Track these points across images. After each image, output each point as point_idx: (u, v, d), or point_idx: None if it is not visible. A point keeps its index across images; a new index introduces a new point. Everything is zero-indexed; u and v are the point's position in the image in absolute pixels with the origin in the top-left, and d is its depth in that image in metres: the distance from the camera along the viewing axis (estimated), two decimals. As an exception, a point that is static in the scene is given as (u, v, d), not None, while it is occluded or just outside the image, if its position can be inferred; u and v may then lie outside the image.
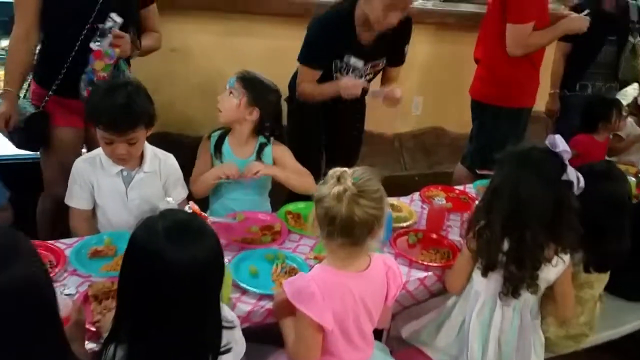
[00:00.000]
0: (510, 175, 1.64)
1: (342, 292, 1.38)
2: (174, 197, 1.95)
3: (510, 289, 1.66)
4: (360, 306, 1.42)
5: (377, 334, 1.77)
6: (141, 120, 1.75)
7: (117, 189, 1.85)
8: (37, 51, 2.11)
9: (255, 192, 2.17)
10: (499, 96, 2.79)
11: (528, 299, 1.74)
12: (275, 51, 3.21)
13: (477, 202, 1.81)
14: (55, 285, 1.15)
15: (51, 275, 1.44)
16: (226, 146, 2.10)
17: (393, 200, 2.25)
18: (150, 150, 1.91)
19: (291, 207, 2.10)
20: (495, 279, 1.69)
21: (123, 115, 1.70)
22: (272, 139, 2.14)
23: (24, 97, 2.13)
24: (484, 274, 1.68)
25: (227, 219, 1.95)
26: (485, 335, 1.72)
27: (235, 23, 3.25)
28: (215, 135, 2.12)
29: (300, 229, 1.95)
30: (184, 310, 1.11)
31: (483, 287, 1.72)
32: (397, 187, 2.22)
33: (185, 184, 2.02)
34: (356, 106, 2.66)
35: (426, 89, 3.95)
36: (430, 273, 1.83)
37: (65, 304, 1.28)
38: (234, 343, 1.26)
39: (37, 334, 1.00)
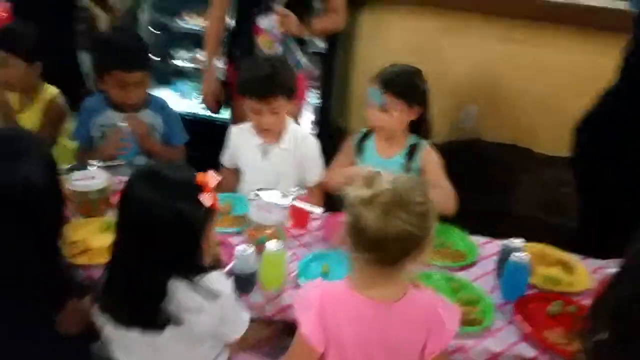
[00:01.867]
0: None
1: (352, 317, 1.14)
2: (308, 177, 1.98)
3: None
4: (377, 343, 1.14)
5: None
6: (283, 88, 1.83)
7: (255, 159, 1.95)
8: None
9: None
10: None
11: None
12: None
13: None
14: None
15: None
16: (370, 143, 1.95)
17: (570, 257, 1.72)
18: (291, 128, 1.94)
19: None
20: None
21: (267, 82, 1.81)
22: (425, 141, 1.89)
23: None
24: None
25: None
26: None
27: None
28: (362, 131, 1.99)
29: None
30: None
31: None
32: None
33: (322, 171, 1.98)
34: None
35: None
36: (546, 358, 1.33)
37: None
38: (208, 313, 1.17)
39: (27, 232, 1.14)
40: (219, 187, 1.92)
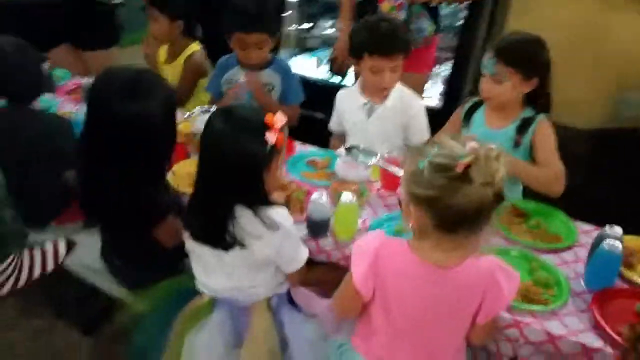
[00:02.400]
0: None
1: (401, 273, 1.18)
2: (412, 140, 1.99)
3: None
4: (426, 305, 1.18)
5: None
6: (404, 46, 1.88)
7: (360, 119, 2.00)
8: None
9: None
10: None
11: None
12: None
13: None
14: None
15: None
16: (479, 113, 1.87)
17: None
18: (398, 89, 1.96)
19: (520, 203, 1.75)
20: None
21: (391, 39, 1.86)
22: (542, 114, 1.78)
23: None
24: None
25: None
26: None
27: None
28: (473, 100, 1.92)
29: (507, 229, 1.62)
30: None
31: None
32: None
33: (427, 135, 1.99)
34: None
35: None
36: (609, 350, 1.23)
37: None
38: (266, 241, 1.31)
39: (141, 156, 1.38)
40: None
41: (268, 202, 1.33)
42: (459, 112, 1.94)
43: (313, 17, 3.48)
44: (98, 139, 1.42)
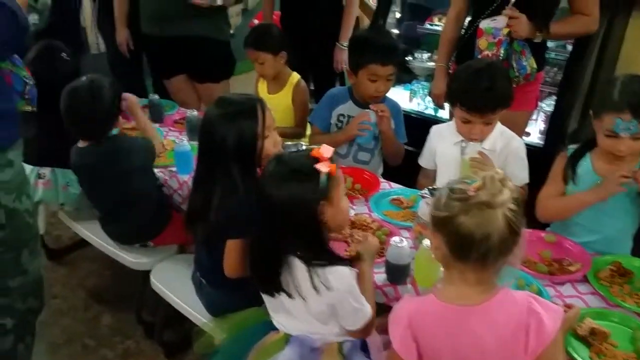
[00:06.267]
0: None
1: (442, 326, 1.13)
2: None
3: None
4: (469, 348, 1.12)
5: None
6: (502, 102, 1.77)
7: (454, 157, 1.91)
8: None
9: (617, 222, 1.69)
10: None
11: None
12: None
13: None
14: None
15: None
16: (585, 163, 1.71)
17: None
18: (498, 128, 1.86)
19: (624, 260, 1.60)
20: None
21: (486, 98, 1.75)
22: None
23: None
24: None
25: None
26: None
27: None
28: (572, 148, 1.76)
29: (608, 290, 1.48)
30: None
31: None
32: None
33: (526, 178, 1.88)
34: None
35: None
36: None
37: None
38: (316, 299, 1.29)
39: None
40: (419, 188, 2.01)
41: (331, 258, 1.29)
42: (561, 163, 1.78)
43: (408, 51, 3.46)
44: (203, 158, 1.56)
